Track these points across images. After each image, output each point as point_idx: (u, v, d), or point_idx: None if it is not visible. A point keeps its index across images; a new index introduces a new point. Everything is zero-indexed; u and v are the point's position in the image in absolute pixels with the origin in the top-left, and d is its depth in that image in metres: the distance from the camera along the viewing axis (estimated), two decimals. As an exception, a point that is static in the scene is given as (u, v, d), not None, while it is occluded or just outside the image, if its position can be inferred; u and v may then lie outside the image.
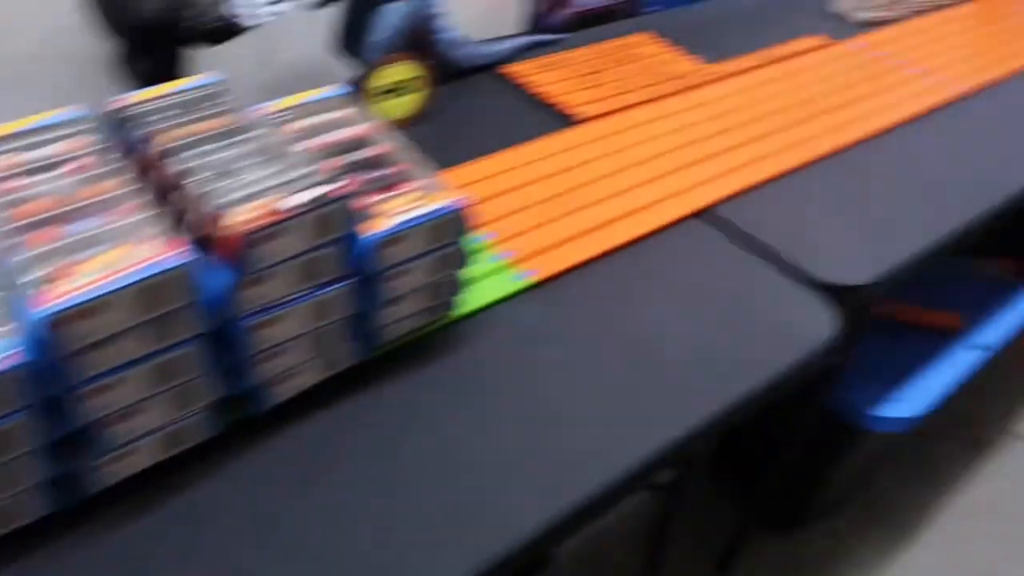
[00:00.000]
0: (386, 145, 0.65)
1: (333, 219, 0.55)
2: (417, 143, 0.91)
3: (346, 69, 1.03)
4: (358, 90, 0.90)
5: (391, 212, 0.59)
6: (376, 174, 0.62)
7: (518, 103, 1.02)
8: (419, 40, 0.97)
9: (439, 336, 0.68)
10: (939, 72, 1.15)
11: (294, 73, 1.04)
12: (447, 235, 0.62)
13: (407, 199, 0.60)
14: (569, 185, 0.86)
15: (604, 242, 0.79)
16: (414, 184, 0.61)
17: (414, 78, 0.93)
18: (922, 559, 1.25)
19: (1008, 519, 1.33)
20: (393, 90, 0.92)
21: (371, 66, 0.89)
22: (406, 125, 0.95)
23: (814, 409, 0.97)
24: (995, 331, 1.07)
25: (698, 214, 0.84)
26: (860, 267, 0.78)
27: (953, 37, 1.26)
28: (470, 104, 1.01)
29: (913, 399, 0.96)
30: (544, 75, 1.07)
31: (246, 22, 0.75)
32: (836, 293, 0.75)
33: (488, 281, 0.73)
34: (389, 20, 0.90)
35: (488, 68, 1.09)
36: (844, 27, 1.27)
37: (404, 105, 0.94)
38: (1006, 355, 1.10)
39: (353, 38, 0.95)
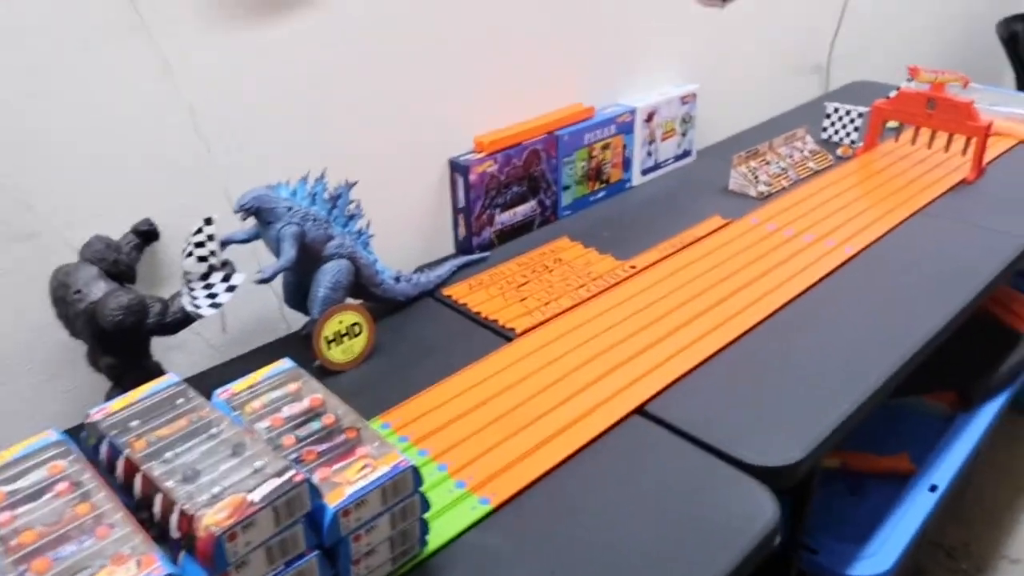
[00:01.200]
0: (336, 413, 0.71)
1: (297, 501, 0.61)
2: (369, 382, 1.00)
3: (296, 321, 1.12)
4: (309, 341, 0.98)
5: (349, 480, 0.65)
6: (330, 444, 0.68)
7: (458, 326, 1.11)
8: (360, 286, 1.07)
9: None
10: (831, 235, 1.29)
11: (252, 327, 1.12)
12: (403, 490, 0.67)
13: (361, 465, 0.66)
14: (514, 402, 0.94)
15: (552, 455, 0.85)
16: (366, 448, 0.68)
17: (356, 323, 1.01)
18: None
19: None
20: (341, 336, 1.00)
21: (317, 319, 0.98)
22: (357, 365, 1.03)
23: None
24: (945, 469, 1.14)
25: (637, 411, 0.92)
26: (790, 447, 0.85)
27: (837, 199, 1.42)
28: (414, 333, 1.10)
29: (883, 553, 1.00)
30: (478, 294, 1.18)
31: (201, 313, 0.84)
32: (773, 475, 0.82)
33: (450, 514, 0.78)
34: (329, 276, 1.00)
35: (427, 295, 1.19)
36: (738, 203, 1.43)
37: (353, 348, 1.02)
38: (984, 481, 1.17)
39: (299, 295, 1.04)
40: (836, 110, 1.69)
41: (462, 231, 1.30)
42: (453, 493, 0.81)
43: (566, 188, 1.42)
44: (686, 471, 0.83)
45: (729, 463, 0.84)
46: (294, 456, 0.67)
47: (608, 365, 0.99)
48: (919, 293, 1.13)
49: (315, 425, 0.70)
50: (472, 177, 1.25)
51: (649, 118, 1.52)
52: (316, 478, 0.64)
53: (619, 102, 1.53)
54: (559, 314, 1.12)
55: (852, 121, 1.67)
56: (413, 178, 1.25)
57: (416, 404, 0.95)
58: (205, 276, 0.87)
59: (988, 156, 1.55)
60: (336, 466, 0.66)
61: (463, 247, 1.32)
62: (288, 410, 0.71)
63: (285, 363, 0.78)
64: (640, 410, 0.92)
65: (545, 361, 1.01)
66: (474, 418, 0.92)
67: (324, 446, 0.68)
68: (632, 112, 1.48)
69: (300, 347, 1.03)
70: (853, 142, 1.67)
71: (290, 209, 0.95)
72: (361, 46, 1.11)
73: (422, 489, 0.69)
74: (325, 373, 1.01)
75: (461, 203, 1.28)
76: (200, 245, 0.88)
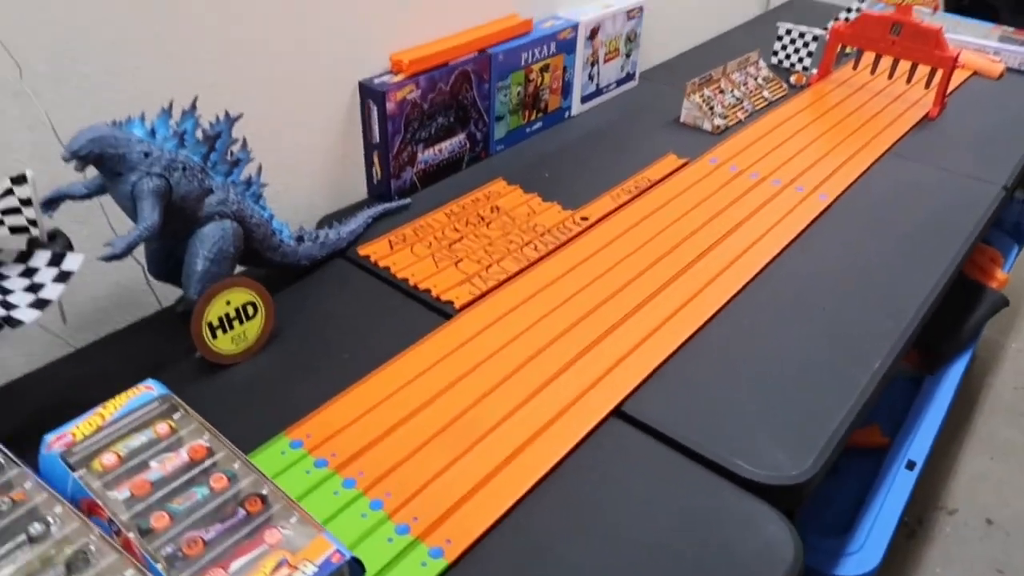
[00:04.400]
0: (229, 470, 0.50)
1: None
2: (269, 380, 0.78)
3: (168, 293, 0.87)
4: (186, 321, 0.74)
5: (256, 585, 0.44)
6: (225, 525, 0.47)
7: (381, 298, 0.89)
8: (251, 251, 0.83)
9: None
10: (799, 180, 1.14)
11: (108, 303, 0.86)
12: (334, 582, 0.47)
13: (275, 563, 0.45)
14: (461, 406, 0.74)
15: (518, 481, 0.67)
16: (278, 532, 0.47)
17: (249, 302, 0.78)
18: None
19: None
20: (230, 320, 0.77)
21: (196, 302, 0.74)
22: (252, 355, 0.80)
23: None
24: (920, 441, 1.04)
25: (614, 413, 0.74)
26: (799, 455, 0.70)
27: (799, 136, 1.27)
28: (325, 309, 0.87)
29: (869, 546, 0.90)
30: (402, 253, 0.96)
31: (18, 319, 0.58)
32: (784, 494, 0.67)
33: (397, 572, 0.59)
34: (209, 243, 0.75)
35: (338, 255, 0.95)
36: (693, 139, 1.25)
37: (246, 334, 0.79)
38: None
39: (169, 264, 0.79)
40: (789, 32, 1.52)
41: (377, 173, 1.06)
42: (395, 542, 0.61)
43: (499, 118, 1.19)
44: (683, 494, 0.67)
45: (731, 480, 0.68)
46: (170, 549, 0.45)
47: (571, 351, 0.81)
48: (905, 254, 1.00)
49: (200, 493, 0.48)
50: (390, 105, 1.01)
51: (592, 35, 1.30)
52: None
53: (558, 14, 1.30)
54: (504, 281, 0.92)
55: (806, 44, 1.51)
56: (313, 108, 0.99)
57: (334, 411, 0.73)
58: (23, 258, 0.61)
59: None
60: (235, 565, 0.45)
61: (379, 192, 1.08)
62: (158, 467, 0.49)
63: (150, 388, 0.55)
64: (617, 411, 0.75)
65: (493, 347, 0.82)
66: (412, 430, 0.72)
67: (216, 529, 0.46)
68: (575, 27, 1.25)
69: (176, 330, 0.79)
70: (806, 68, 1.52)
71: (148, 155, 0.69)
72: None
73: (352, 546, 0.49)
74: (210, 368, 0.78)
75: (376, 138, 1.04)
76: (9, 213, 0.61)
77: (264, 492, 0.48)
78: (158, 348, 0.80)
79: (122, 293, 0.86)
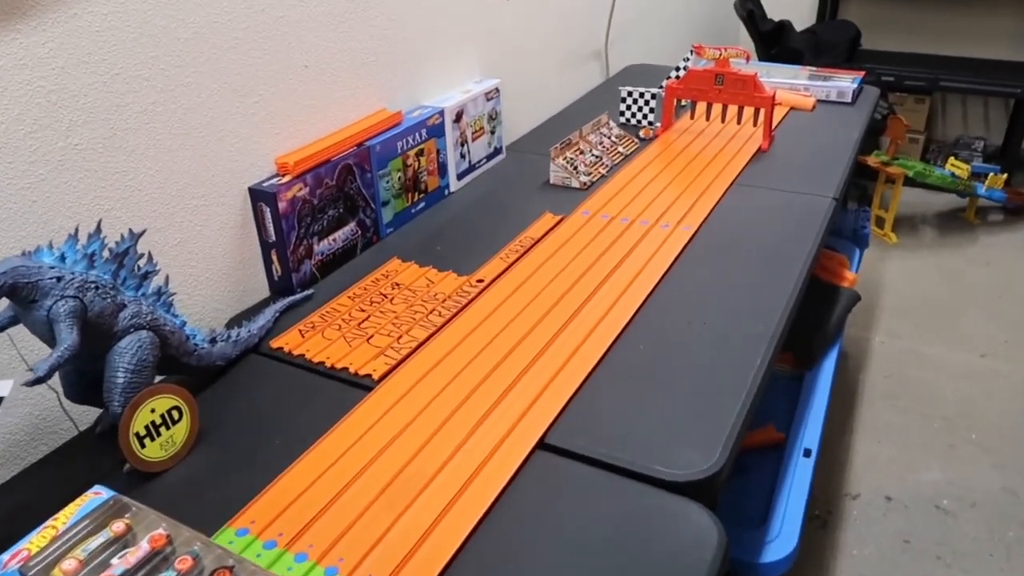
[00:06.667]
0: (192, 551, 0.52)
1: None
2: (203, 478, 0.79)
3: (83, 415, 0.88)
4: (109, 439, 0.75)
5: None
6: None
7: (300, 383, 0.93)
8: (169, 358, 0.85)
9: None
10: (663, 218, 1.27)
11: (21, 437, 0.85)
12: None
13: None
14: (395, 468, 0.78)
15: (459, 526, 0.71)
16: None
17: (173, 407, 0.80)
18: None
19: None
20: (156, 428, 0.78)
21: (119, 416, 0.75)
22: (182, 459, 0.81)
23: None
24: (811, 431, 1.16)
25: (538, 446, 0.81)
26: (708, 451, 0.78)
27: (656, 181, 1.41)
28: (247, 403, 0.90)
29: (785, 533, 0.98)
30: (314, 340, 1.00)
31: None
32: (701, 487, 0.75)
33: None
34: (128, 356, 0.78)
35: (251, 352, 0.98)
36: (564, 197, 1.37)
37: (173, 439, 0.80)
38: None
39: (83, 385, 0.80)
40: (630, 93, 1.70)
41: (277, 269, 1.11)
42: (354, 603, 0.64)
43: (385, 204, 1.27)
44: (613, 507, 0.74)
45: (654, 485, 0.75)
46: (149, 633, 0.47)
47: (490, 398, 0.87)
48: (765, 264, 1.13)
49: (169, 577, 0.50)
50: (282, 205, 1.06)
51: (458, 118, 1.41)
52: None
53: (423, 104, 1.40)
54: (416, 348, 0.97)
55: (647, 103, 1.68)
56: (207, 216, 1.03)
57: (274, 494, 0.76)
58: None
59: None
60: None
61: (281, 287, 1.12)
62: (121, 563, 0.51)
63: (99, 493, 0.57)
64: (542, 444, 0.81)
65: (417, 409, 0.87)
66: (354, 496, 0.75)
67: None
68: (441, 113, 1.36)
69: (98, 450, 0.80)
70: (651, 123, 1.69)
71: (60, 279, 0.72)
72: (118, 60, 0.88)
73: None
74: (143, 477, 0.78)
75: (272, 237, 1.09)
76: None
77: (230, 563, 0.51)
78: (85, 469, 0.80)
79: (36, 424, 0.86)
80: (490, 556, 0.69)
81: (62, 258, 0.73)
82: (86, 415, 0.90)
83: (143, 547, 0.52)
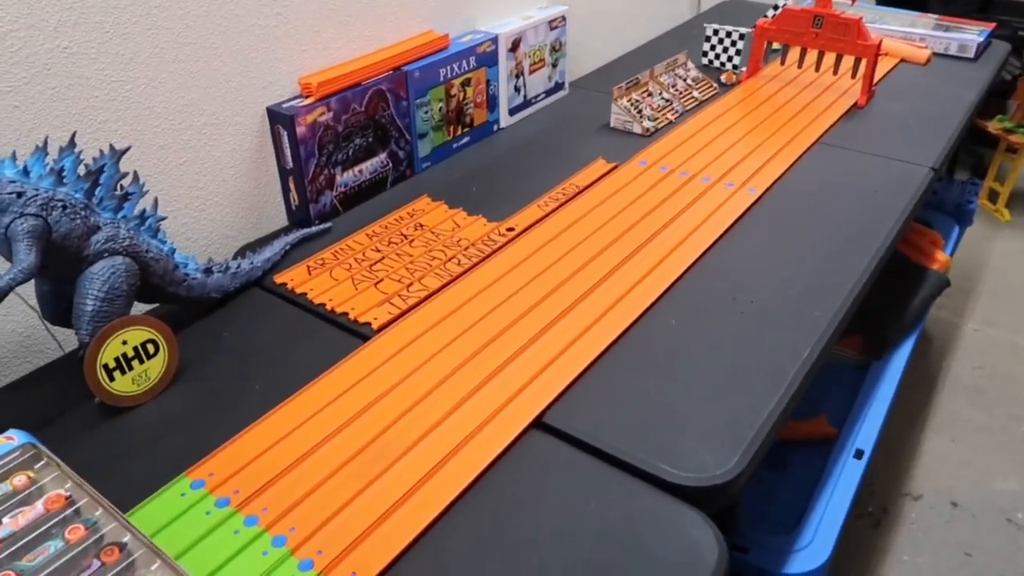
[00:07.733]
0: (90, 520, 0.46)
1: None
2: (174, 419, 0.74)
3: (70, 337, 0.84)
4: (82, 369, 0.71)
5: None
6: (79, 578, 0.43)
7: (296, 325, 0.86)
8: (152, 287, 0.79)
9: None
10: (729, 176, 1.13)
11: (6, 351, 0.83)
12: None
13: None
14: (375, 429, 0.71)
15: (431, 503, 0.64)
16: (138, 580, 0.43)
17: (149, 340, 0.74)
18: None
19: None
20: (128, 360, 0.73)
21: (89, 343, 0.70)
22: (156, 395, 0.76)
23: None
24: (868, 429, 1.02)
25: (534, 424, 0.72)
26: (723, 454, 0.68)
27: (729, 133, 1.26)
28: (238, 342, 0.84)
29: (817, 542, 0.87)
30: (320, 278, 0.93)
31: None
32: (708, 495, 0.65)
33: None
34: (99, 283, 0.72)
35: (254, 285, 0.93)
36: (623, 143, 1.24)
37: (147, 374, 0.75)
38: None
39: (61, 307, 0.76)
40: (716, 32, 1.52)
41: (295, 198, 1.04)
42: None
43: (422, 136, 1.17)
44: (605, 503, 0.64)
45: (655, 485, 0.66)
46: (13, 611, 0.41)
47: (491, 365, 0.78)
48: (835, 240, 0.98)
49: (54, 546, 0.45)
50: (300, 130, 0.98)
51: (514, 47, 1.29)
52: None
53: (477, 29, 1.29)
54: (425, 299, 0.89)
55: (734, 43, 1.51)
56: (218, 135, 0.96)
57: (240, 447, 0.70)
58: None
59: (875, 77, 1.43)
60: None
61: (299, 218, 1.06)
62: (10, 523, 0.46)
63: (10, 439, 0.51)
64: (538, 423, 0.72)
65: (410, 367, 0.79)
66: (321, 459, 0.68)
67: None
68: (494, 40, 1.24)
69: (79, 375, 0.76)
70: (736, 67, 1.52)
71: (21, 195, 0.66)
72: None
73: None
74: (112, 412, 0.74)
75: (289, 163, 1.01)
76: None
77: (124, 540, 0.45)
78: (59, 395, 0.77)
79: (20, 341, 0.83)
80: (455, 542, 0.61)
81: (25, 172, 0.67)
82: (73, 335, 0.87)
83: (37, 509, 0.46)
